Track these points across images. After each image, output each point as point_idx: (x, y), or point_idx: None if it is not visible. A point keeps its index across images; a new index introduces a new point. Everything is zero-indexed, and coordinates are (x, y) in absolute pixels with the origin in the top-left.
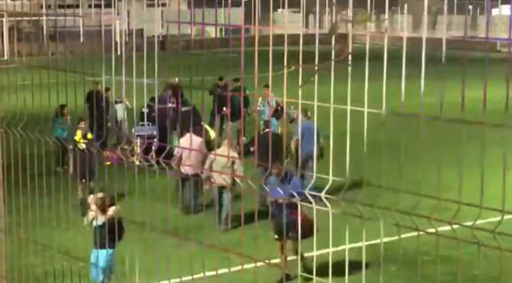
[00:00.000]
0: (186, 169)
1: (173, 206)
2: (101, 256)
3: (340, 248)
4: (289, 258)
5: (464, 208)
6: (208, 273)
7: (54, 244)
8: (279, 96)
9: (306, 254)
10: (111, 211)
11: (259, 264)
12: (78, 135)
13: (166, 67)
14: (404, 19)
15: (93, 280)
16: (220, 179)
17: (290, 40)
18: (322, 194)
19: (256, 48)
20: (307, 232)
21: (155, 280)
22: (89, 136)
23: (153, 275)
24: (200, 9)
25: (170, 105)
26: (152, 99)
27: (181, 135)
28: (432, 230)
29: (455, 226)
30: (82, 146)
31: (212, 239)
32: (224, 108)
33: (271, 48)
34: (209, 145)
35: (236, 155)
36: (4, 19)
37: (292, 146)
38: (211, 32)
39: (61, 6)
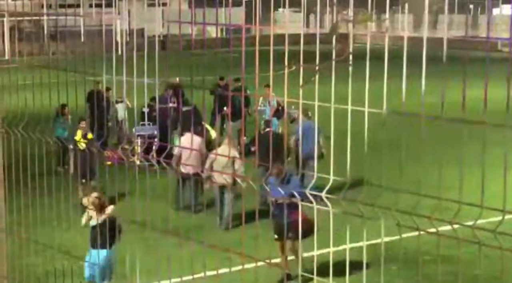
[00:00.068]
0: (187, 169)
1: (171, 206)
2: (95, 256)
3: (340, 247)
4: (289, 258)
5: (465, 207)
6: (208, 273)
7: (54, 243)
8: (280, 96)
9: (306, 254)
10: (108, 210)
11: (259, 264)
12: (78, 135)
13: (167, 67)
14: (405, 18)
15: (86, 280)
16: (221, 178)
17: (291, 40)
18: (323, 194)
19: (257, 47)
20: (307, 232)
21: (156, 280)
22: (90, 136)
23: (154, 275)
24: (201, 9)
25: (171, 104)
26: (153, 99)
27: (182, 135)
28: (433, 229)
29: (456, 226)
30: (82, 145)
31: (212, 239)
32: (225, 108)
33: (272, 47)
34: (210, 145)
35: (236, 153)
36: (5, 19)
37: (291, 145)
38: (212, 32)
39: (62, 6)
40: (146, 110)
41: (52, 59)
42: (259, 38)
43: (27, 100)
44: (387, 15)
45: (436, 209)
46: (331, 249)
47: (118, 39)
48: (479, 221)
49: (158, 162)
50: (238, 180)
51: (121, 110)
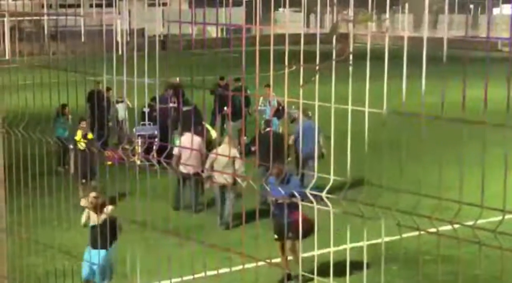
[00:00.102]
0: (187, 169)
1: (170, 205)
2: (94, 256)
3: (341, 247)
4: (289, 258)
5: (465, 207)
6: (209, 273)
7: (55, 243)
8: (280, 95)
9: (306, 254)
10: (106, 210)
11: (260, 263)
12: (79, 135)
13: (167, 67)
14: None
15: (84, 279)
16: (221, 178)
17: (291, 40)
18: (323, 194)
19: (257, 47)
20: (307, 232)
21: (157, 279)
22: (90, 136)
23: (154, 275)
24: (201, 9)
25: (171, 104)
26: (153, 99)
27: (182, 135)
28: (433, 229)
29: (456, 226)
30: (83, 145)
31: (213, 239)
32: (225, 108)
33: (272, 47)
34: (211, 145)
35: (237, 153)
36: (5, 19)
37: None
38: (212, 31)
39: (62, 6)
40: (146, 110)
41: (53, 59)
42: (259, 38)
43: (27, 100)
44: (387, 15)
45: (437, 209)
46: (332, 249)
47: (119, 39)
48: (479, 221)
49: (159, 162)
50: (239, 179)
51: (121, 110)
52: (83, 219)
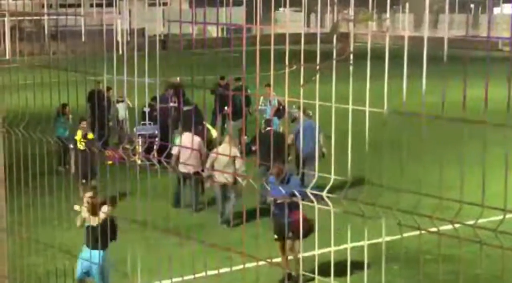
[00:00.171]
0: (187, 168)
1: (170, 204)
2: (92, 256)
3: (341, 247)
4: (289, 257)
5: (466, 207)
6: (210, 272)
7: (55, 243)
8: (280, 95)
9: (306, 254)
10: (103, 210)
11: (260, 263)
12: (79, 135)
13: (168, 67)
14: (405, 18)
15: (77, 278)
16: (222, 177)
17: (292, 39)
18: (324, 193)
19: (258, 47)
20: (307, 232)
21: (157, 279)
22: (90, 136)
23: (155, 274)
24: (202, 9)
25: (171, 104)
26: (153, 99)
27: (182, 134)
28: (434, 229)
29: (457, 225)
30: (83, 145)
31: (213, 238)
32: (226, 107)
33: (272, 47)
34: (211, 145)
35: (237, 152)
36: (6, 19)
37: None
38: (213, 31)
39: (62, 5)
40: (147, 109)
41: (53, 58)
42: (259, 37)
43: (28, 99)
44: (387, 15)
45: (437, 208)
46: (332, 248)
47: (119, 38)
48: (480, 220)
49: (159, 162)
50: (239, 179)
51: (122, 110)
52: (78, 222)
